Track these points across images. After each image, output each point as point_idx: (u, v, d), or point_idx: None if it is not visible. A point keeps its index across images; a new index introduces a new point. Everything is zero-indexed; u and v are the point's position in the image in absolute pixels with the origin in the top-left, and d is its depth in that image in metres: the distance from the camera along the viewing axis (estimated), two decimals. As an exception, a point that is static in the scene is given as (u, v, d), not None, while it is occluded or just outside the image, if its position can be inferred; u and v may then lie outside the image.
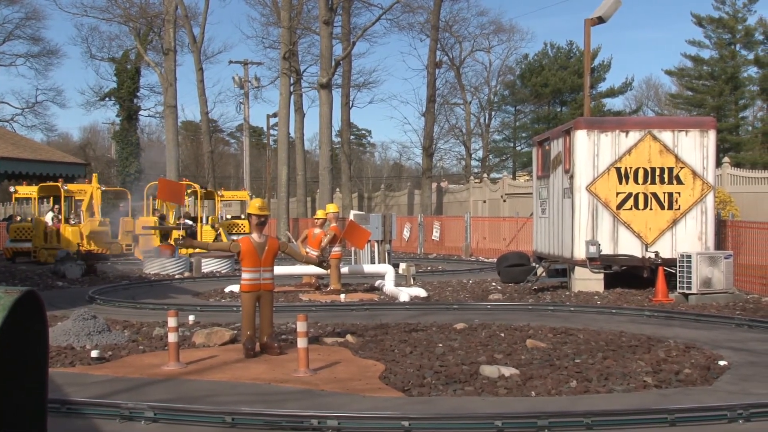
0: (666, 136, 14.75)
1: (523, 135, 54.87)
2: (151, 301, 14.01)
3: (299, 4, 36.94)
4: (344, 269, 15.96)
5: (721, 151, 40.12)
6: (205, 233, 25.51)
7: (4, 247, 25.77)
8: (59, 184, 25.13)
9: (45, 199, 31.65)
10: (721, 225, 15.90)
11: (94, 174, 26.86)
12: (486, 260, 24.82)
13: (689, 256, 13.43)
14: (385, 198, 45.60)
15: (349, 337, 9.63)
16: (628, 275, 15.05)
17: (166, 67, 39.58)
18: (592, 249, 14.39)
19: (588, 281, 14.69)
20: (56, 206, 27.63)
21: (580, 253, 14.64)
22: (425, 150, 41.47)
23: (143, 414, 6.15)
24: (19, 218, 26.84)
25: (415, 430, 5.78)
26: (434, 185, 41.57)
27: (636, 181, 14.70)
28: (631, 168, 14.70)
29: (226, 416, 6.04)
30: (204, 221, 27.00)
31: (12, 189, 26.04)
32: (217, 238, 25.56)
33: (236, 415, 6.06)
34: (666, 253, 14.40)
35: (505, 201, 33.40)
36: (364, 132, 78.86)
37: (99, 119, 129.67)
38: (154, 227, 25.56)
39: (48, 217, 26.78)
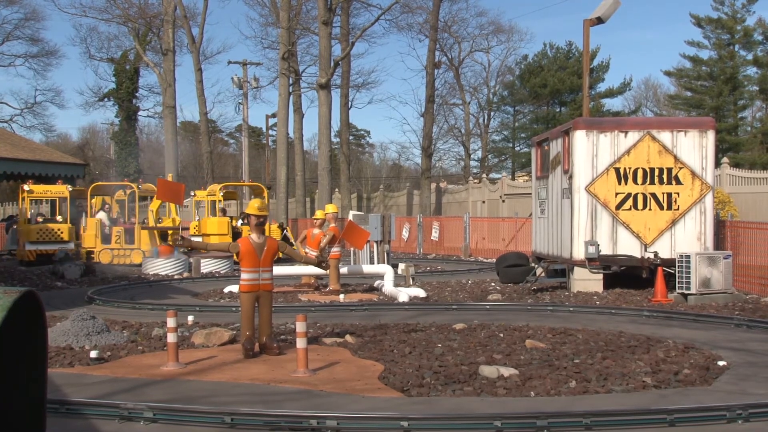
0: (665, 136, 14.76)
1: (522, 135, 54.88)
2: (150, 302, 14.00)
3: (298, 5, 36.96)
4: (343, 269, 15.96)
5: (720, 151, 40.14)
6: (273, 232, 24.13)
7: (26, 250, 23.89)
8: (131, 184, 24.54)
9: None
10: (720, 225, 15.91)
11: (169, 174, 26.19)
12: (485, 260, 24.82)
13: (688, 257, 13.44)
14: (384, 198, 45.60)
15: (348, 338, 9.63)
16: (627, 275, 15.06)
17: (165, 67, 39.59)
18: (591, 249, 14.40)
19: (587, 281, 14.69)
20: (107, 206, 27.20)
21: (579, 254, 14.64)
22: (424, 150, 41.48)
23: (142, 414, 6.15)
24: (41, 219, 26.14)
25: (414, 431, 5.78)
26: (433, 185, 41.57)
27: (635, 181, 14.70)
28: (630, 168, 14.71)
29: (226, 416, 6.04)
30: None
31: (26, 188, 25.13)
32: (286, 239, 24.42)
33: (235, 415, 6.06)
34: (665, 254, 14.40)
35: (504, 201, 33.40)
36: (363, 132, 78.94)
37: (98, 120, 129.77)
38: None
39: (103, 217, 26.20)
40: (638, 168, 14.70)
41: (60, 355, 8.73)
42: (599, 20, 19.80)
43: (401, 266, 17.33)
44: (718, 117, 44.65)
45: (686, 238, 14.61)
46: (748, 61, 47.05)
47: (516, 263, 16.96)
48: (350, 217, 18.95)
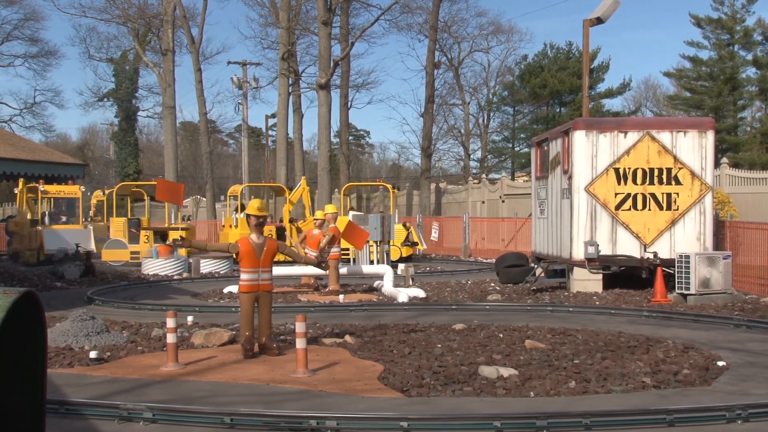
0: (664, 136, 14.76)
1: (522, 136, 54.84)
2: (150, 302, 14.01)
3: (298, 5, 36.95)
4: (343, 270, 15.96)
5: (719, 151, 40.11)
6: (397, 232, 23.16)
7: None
8: (279, 185, 24.30)
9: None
10: (719, 225, 15.91)
11: (302, 176, 25.98)
12: (484, 261, 24.82)
13: (688, 257, 13.44)
14: (384, 198, 45.57)
15: (347, 338, 9.63)
16: (627, 276, 15.05)
17: (165, 67, 39.57)
18: (591, 249, 14.40)
19: (587, 282, 14.69)
20: (237, 206, 27.12)
21: (578, 254, 14.64)
22: (424, 150, 41.46)
23: (142, 415, 6.15)
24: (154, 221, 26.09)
25: (413, 431, 5.78)
26: (433, 186, 41.55)
27: (634, 181, 14.70)
28: (629, 168, 14.71)
29: (225, 417, 6.04)
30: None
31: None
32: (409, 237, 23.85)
33: (235, 415, 6.06)
34: (664, 254, 14.40)
35: (503, 201, 33.39)
36: (362, 133, 78.85)
37: (97, 120, 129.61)
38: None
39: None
40: (638, 168, 14.70)
41: (60, 356, 8.72)
42: (599, 20, 19.80)
43: (401, 266, 17.32)
44: (718, 117, 44.61)
45: (686, 239, 14.61)
46: (748, 61, 47.03)
47: (515, 263, 16.95)
48: (350, 218, 18.95)
